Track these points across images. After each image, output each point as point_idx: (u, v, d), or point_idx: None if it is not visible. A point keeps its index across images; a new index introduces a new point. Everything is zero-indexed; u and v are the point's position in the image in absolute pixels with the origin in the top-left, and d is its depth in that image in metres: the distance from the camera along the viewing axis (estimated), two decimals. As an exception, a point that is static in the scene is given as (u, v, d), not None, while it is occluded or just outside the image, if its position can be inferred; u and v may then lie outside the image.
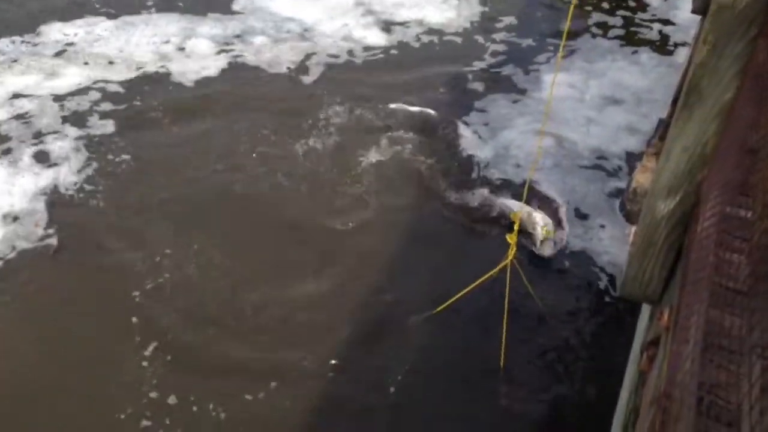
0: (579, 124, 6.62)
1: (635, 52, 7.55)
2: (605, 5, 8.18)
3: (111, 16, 7.92)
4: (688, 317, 2.11)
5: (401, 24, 7.94)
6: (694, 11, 3.74)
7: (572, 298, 4.80)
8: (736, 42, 2.35)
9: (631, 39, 7.76)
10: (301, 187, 5.62)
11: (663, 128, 3.40)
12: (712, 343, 2.00)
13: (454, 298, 4.34)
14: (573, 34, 7.60)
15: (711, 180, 2.39)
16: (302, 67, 7.18)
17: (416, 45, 7.58)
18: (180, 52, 7.41)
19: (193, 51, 7.43)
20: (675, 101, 3.60)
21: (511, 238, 4.06)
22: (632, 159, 6.16)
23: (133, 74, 6.97)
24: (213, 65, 7.19)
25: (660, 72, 7.29)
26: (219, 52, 7.38)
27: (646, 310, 3.19)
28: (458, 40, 7.71)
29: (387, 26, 7.91)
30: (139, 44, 7.47)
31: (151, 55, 7.28)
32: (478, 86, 6.99)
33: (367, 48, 7.48)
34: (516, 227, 4.11)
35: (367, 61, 7.28)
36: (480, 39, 7.70)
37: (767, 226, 1.77)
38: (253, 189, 5.61)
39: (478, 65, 7.28)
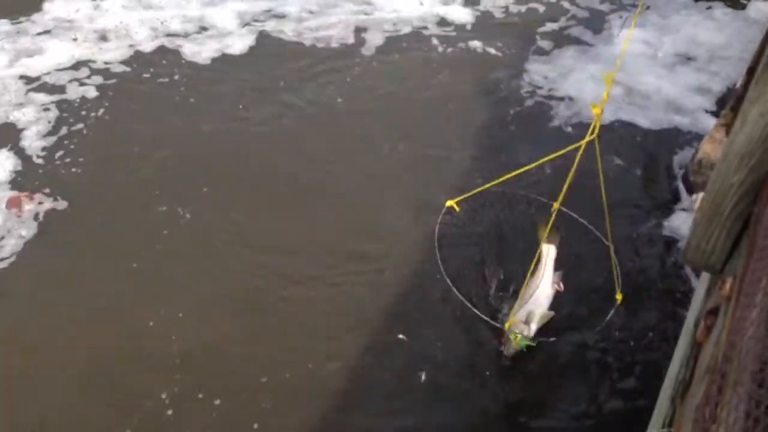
0: (652, 79, 6.46)
1: (709, 7, 7.32)
2: None
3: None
4: (754, 284, 2.08)
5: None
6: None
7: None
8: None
9: None
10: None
11: (735, 99, 3.29)
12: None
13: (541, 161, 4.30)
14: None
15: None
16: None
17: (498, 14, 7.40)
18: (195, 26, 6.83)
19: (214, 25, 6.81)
20: (750, 71, 3.47)
21: (596, 110, 3.60)
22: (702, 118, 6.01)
23: (126, 52, 6.35)
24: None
25: (735, 27, 7.05)
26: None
27: (703, 281, 3.14)
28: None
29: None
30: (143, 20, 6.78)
31: (149, 32, 6.63)
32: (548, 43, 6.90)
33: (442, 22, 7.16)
34: (605, 98, 3.57)
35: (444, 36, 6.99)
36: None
37: None
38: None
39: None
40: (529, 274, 4.14)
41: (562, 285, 4.30)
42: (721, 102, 6.12)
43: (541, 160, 4.25)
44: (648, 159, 5.64)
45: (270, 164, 5.35)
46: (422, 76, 6.35)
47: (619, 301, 4.23)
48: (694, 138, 5.75)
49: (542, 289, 4.25)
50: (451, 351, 4.19)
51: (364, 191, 5.19)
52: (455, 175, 5.29)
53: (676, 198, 5.16)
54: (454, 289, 4.22)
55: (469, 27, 6.97)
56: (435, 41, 6.76)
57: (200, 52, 6.44)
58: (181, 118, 5.74)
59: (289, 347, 4.12)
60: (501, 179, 4.41)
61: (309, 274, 4.54)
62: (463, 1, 7.28)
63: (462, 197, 4.46)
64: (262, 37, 6.70)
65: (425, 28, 6.89)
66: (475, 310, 4.13)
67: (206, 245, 4.69)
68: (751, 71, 3.67)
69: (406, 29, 6.85)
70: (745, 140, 2.41)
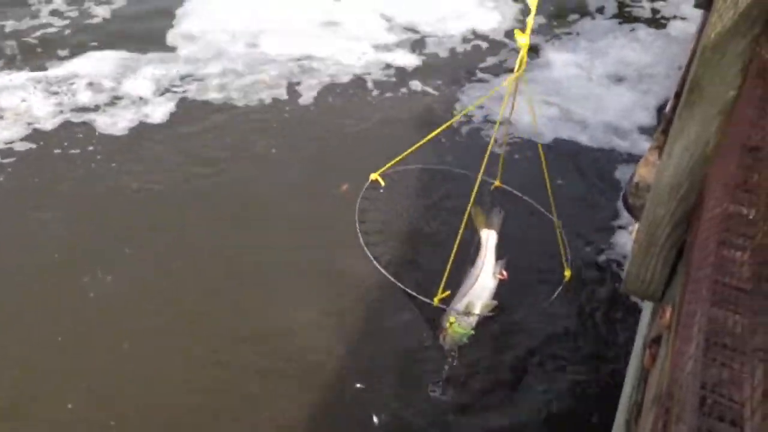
0: (588, 100, 6.66)
1: (633, 29, 7.62)
2: None
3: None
4: (690, 315, 2.15)
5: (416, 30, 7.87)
6: (697, 5, 3.72)
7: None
8: (739, 40, 2.35)
9: (627, 17, 7.90)
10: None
11: (665, 122, 3.41)
12: (715, 342, 2.04)
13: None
14: (574, 17, 7.67)
15: (713, 178, 2.42)
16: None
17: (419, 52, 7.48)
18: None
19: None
20: (678, 94, 3.60)
21: (522, 38, 3.26)
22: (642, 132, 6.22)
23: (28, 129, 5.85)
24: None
25: (659, 46, 7.38)
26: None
27: (648, 306, 3.23)
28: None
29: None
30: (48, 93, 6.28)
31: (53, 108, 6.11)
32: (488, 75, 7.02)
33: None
34: (528, 30, 3.24)
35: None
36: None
37: (762, 243, 1.80)
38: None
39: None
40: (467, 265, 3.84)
41: (505, 273, 3.93)
42: (656, 120, 6.35)
43: (467, 109, 4.06)
44: (588, 178, 5.79)
45: (199, 222, 5.16)
46: (359, 116, 6.35)
47: (567, 278, 3.96)
48: (632, 158, 5.92)
49: (483, 279, 3.88)
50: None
51: (298, 238, 5.06)
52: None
53: (616, 217, 5.31)
54: (376, 263, 3.76)
55: (410, 69, 7.01)
56: (374, 85, 6.75)
57: (115, 123, 6.04)
58: (98, 184, 5.44)
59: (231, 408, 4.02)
60: (426, 139, 4.12)
61: (239, 331, 4.39)
62: (410, 47, 7.34)
63: (387, 167, 4.15)
64: (184, 102, 6.36)
65: (368, 74, 6.87)
66: (401, 285, 3.66)
67: (132, 309, 4.49)
68: (678, 95, 3.80)
69: (346, 78, 6.79)
70: (672, 172, 2.50)
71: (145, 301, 4.53)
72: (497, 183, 3.91)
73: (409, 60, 7.04)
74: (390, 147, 5.70)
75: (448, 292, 3.66)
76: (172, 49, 6.99)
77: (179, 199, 5.33)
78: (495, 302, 3.82)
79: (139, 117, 6.11)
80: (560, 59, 7.12)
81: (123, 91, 6.43)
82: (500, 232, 4.05)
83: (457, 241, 3.54)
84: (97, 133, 5.90)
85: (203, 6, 7.64)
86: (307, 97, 6.48)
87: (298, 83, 6.65)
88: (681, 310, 2.24)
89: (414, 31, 7.45)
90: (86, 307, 4.47)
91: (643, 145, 5.96)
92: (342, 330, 4.38)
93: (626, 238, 5.02)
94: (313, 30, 7.35)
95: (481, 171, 3.72)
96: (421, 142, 4.07)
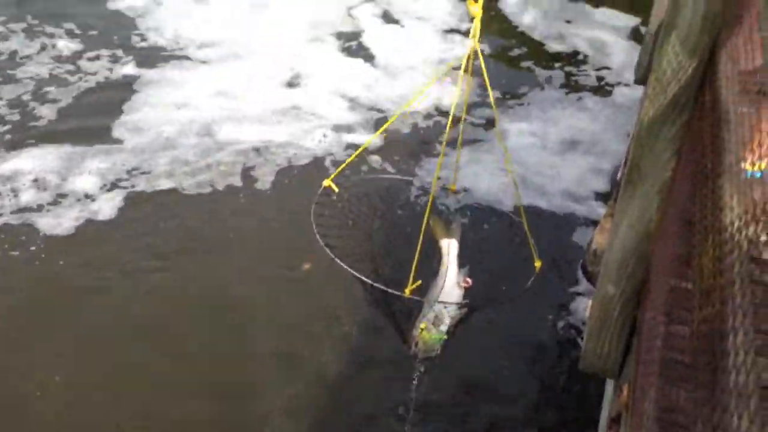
0: (544, 167, 6.86)
1: (580, 98, 7.92)
2: (544, 62, 8.53)
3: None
4: (642, 393, 2.21)
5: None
6: (636, 81, 3.94)
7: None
8: (671, 126, 2.50)
9: (574, 86, 8.17)
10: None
11: (617, 190, 3.55)
12: (667, 421, 2.10)
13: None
14: (524, 89, 7.98)
15: (657, 254, 2.52)
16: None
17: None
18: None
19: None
20: (627, 163, 3.77)
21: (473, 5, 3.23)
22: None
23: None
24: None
25: (606, 114, 7.67)
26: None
27: (611, 383, 3.28)
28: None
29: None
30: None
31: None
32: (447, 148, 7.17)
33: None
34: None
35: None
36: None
37: (705, 316, 1.88)
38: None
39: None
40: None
41: (470, 280, 3.89)
42: (610, 185, 6.56)
43: (423, 88, 4.02)
44: (547, 244, 5.91)
45: (152, 318, 5.03)
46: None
47: (537, 269, 3.88)
48: (590, 223, 6.09)
49: (448, 288, 3.80)
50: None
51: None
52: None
53: (575, 284, 5.44)
54: (339, 261, 3.62)
55: (372, 148, 6.90)
56: (334, 165, 6.62)
57: (60, 223, 5.74)
58: (43, 286, 5.23)
59: None
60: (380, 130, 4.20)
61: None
62: (372, 126, 7.30)
63: (338, 171, 4.08)
64: (132, 196, 6.10)
65: (330, 154, 6.82)
66: (366, 280, 3.57)
67: (80, 408, 4.40)
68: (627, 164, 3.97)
69: (305, 160, 6.68)
70: (619, 249, 2.60)
71: (92, 397, 4.45)
72: (452, 187, 3.91)
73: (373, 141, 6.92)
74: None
75: (419, 282, 3.59)
76: (119, 142, 6.74)
77: (130, 295, 5.16)
78: (464, 311, 3.74)
79: (86, 215, 5.83)
80: (515, 129, 7.34)
81: (68, 188, 6.10)
82: (460, 241, 4.00)
83: (420, 241, 3.51)
84: (41, 234, 5.61)
85: (152, 97, 7.47)
86: (263, 181, 6.38)
87: (253, 168, 6.53)
88: (635, 387, 2.30)
89: (377, 109, 7.60)
90: (29, 406, 4.38)
91: (600, 210, 6.14)
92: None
93: (585, 304, 5.12)
94: (271, 116, 7.31)
95: (435, 179, 3.76)
96: (367, 143, 4.18)
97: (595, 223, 5.99)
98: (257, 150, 6.76)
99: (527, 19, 9.37)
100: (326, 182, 4.02)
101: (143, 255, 5.50)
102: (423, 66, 8.27)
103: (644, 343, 2.39)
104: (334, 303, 5.12)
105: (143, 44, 8.30)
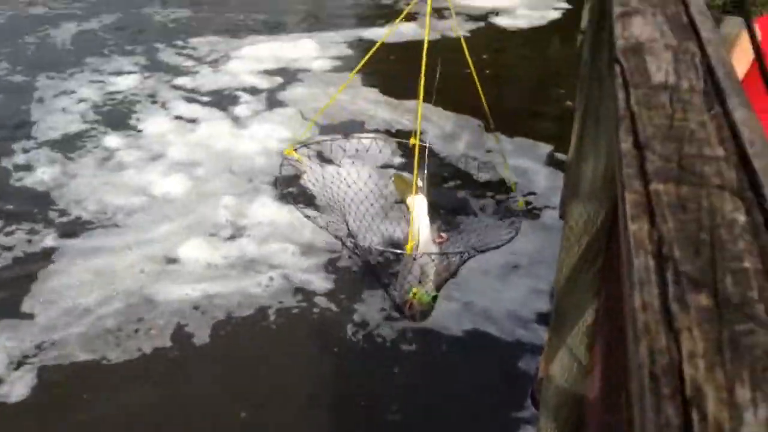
0: (487, 292, 7.07)
1: (513, 223, 8.24)
2: (477, 191, 8.94)
3: None
4: None
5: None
6: (561, 217, 4.24)
7: None
8: (585, 273, 2.72)
9: (506, 213, 8.50)
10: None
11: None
12: None
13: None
14: (461, 218, 8.30)
15: (587, 397, 2.65)
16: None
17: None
18: None
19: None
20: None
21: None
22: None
23: None
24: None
25: (540, 236, 8.03)
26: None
27: None
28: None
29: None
30: None
31: None
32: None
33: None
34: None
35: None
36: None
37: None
38: None
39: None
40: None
41: (444, 235, 3.82)
42: (551, 304, 6.79)
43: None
44: (494, 370, 6.02)
45: None
46: (257, 347, 6.16)
47: (521, 206, 3.79)
48: (536, 348, 6.24)
49: (423, 247, 3.65)
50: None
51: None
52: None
53: (521, 408, 5.52)
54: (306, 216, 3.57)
55: (321, 291, 6.93)
56: (277, 313, 6.57)
57: None
58: None
59: None
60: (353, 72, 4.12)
61: None
62: (324, 268, 7.29)
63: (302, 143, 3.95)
64: (45, 373, 5.66)
65: (279, 302, 6.73)
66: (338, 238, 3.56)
67: None
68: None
69: (248, 311, 6.53)
70: (554, 393, 2.72)
71: None
72: (413, 141, 3.82)
73: (319, 282, 7.05)
74: (288, 375, 5.77)
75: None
76: (30, 317, 6.25)
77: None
78: (446, 263, 3.66)
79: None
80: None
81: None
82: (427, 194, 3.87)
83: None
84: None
85: (74, 267, 7.02)
86: (199, 336, 6.09)
87: (186, 325, 6.23)
88: None
89: (330, 251, 7.57)
90: None
91: (543, 334, 6.31)
92: None
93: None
94: (209, 271, 7.10)
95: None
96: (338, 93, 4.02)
97: (540, 348, 6.15)
98: (195, 305, 6.51)
99: (454, 152, 9.93)
100: (287, 150, 3.89)
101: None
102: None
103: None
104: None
105: (63, 219, 8.02)
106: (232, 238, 7.66)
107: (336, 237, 3.63)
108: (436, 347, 6.19)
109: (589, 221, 2.66)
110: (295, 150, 3.95)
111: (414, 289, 3.53)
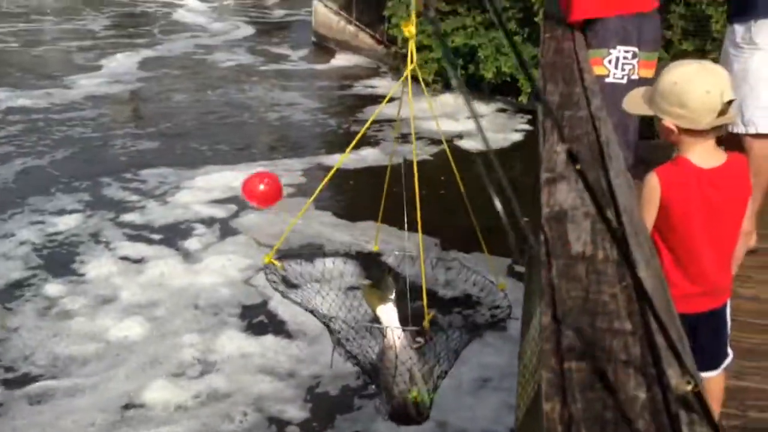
0: (461, 408, 7.05)
1: (481, 336, 8.28)
2: (444, 308, 8.73)
3: None
4: None
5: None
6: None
7: None
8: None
9: (474, 327, 8.55)
10: None
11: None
12: None
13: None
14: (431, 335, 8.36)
15: None
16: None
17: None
18: None
19: None
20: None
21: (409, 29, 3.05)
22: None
23: None
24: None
25: (507, 348, 7.95)
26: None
27: None
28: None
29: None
30: None
31: None
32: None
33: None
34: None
35: None
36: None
37: None
38: None
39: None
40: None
41: (421, 340, 3.58)
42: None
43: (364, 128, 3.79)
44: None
45: None
46: None
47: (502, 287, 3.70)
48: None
49: (402, 357, 3.47)
50: None
51: None
52: None
53: None
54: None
55: None
56: None
57: None
58: None
59: None
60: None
61: None
62: (302, 401, 6.98)
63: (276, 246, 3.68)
64: None
65: None
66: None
67: None
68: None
69: None
70: None
71: None
72: (376, 248, 3.73)
73: (295, 412, 6.69)
74: None
75: (433, 313, 3.44)
76: None
77: None
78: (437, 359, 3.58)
79: None
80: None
81: None
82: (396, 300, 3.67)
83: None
84: None
85: (18, 421, 6.35)
86: None
87: None
88: None
89: (308, 376, 7.24)
90: None
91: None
92: None
93: None
94: (177, 413, 6.61)
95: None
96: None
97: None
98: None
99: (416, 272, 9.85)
100: (267, 258, 3.64)
101: None
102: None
103: None
104: None
105: (9, 375, 7.25)
106: (201, 375, 7.23)
107: (323, 323, 3.41)
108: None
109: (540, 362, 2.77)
110: (276, 259, 3.77)
111: (413, 393, 3.40)
